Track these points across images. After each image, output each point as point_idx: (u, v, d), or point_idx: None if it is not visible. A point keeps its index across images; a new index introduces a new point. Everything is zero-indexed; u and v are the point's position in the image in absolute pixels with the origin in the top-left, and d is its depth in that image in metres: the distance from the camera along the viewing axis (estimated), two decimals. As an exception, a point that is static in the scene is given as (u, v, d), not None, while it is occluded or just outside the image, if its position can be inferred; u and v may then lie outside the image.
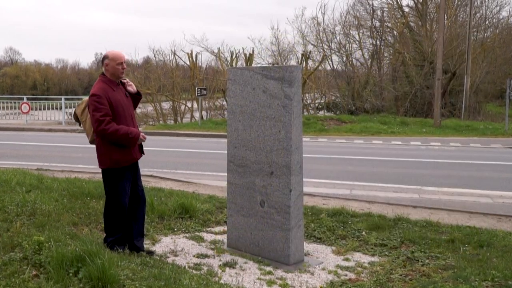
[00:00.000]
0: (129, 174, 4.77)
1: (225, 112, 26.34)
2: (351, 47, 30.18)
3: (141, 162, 5.02)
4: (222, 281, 4.39)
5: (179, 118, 28.93)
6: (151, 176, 9.60)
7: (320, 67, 29.83)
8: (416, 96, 27.62)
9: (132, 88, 4.89)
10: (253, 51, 29.54)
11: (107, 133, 4.48)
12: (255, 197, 5.14)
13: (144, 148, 4.98)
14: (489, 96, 33.57)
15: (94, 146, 4.80)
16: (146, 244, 5.28)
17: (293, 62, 30.68)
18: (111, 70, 4.68)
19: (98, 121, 4.47)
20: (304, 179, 5.20)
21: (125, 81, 4.86)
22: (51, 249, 4.08)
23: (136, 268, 4.15)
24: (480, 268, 4.61)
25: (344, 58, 30.01)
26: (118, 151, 4.62)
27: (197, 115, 26.24)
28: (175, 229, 5.96)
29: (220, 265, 4.87)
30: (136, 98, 4.98)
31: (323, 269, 4.90)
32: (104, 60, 4.71)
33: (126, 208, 4.75)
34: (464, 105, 24.87)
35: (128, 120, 4.68)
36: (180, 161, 11.92)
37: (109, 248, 4.57)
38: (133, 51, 72.89)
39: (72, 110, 24.56)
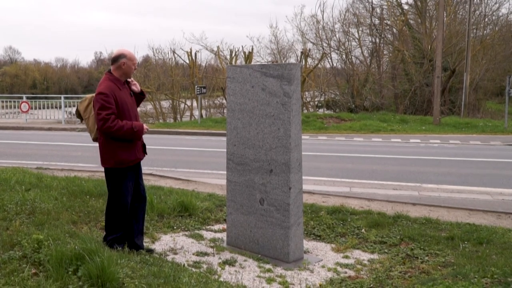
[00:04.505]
0: (132, 174, 4.80)
1: (225, 110, 26.35)
2: (351, 45, 30.24)
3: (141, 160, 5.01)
4: (221, 279, 4.39)
5: (178, 117, 28.94)
6: (150, 174, 9.60)
7: (319, 65, 29.87)
8: (415, 93, 27.62)
9: (136, 87, 4.91)
10: (252, 49, 29.57)
11: (112, 131, 4.49)
12: (254, 195, 5.14)
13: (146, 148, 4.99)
14: (488, 93, 33.57)
15: (94, 144, 4.80)
16: (146, 242, 5.28)
17: (292, 60, 30.72)
18: (126, 69, 4.68)
19: (104, 119, 4.47)
20: (303, 177, 5.20)
21: (130, 80, 4.88)
22: (51, 248, 4.09)
23: (136, 266, 4.15)
24: (480, 265, 4.61)
25: (344, 56, 30.04)
26: (123, 151, 4.64)
27: (196, 113, 26.23)
28: (175, 227, 5.96)
29: (220, 263, 4.87)
30: (139, 97, 5.00)
31: (323, 266, 4.91)
32: (121, 58, 4.65)
33: (128, 207, 4.78)
34: (463, 102, 24.86)
35: (132, 119, 4.72)
36: (179, 159, 11.91)
37: (108, 247, 4.58)
38: (133, 50, 71.84)
39: (71, 109, 24.59)
